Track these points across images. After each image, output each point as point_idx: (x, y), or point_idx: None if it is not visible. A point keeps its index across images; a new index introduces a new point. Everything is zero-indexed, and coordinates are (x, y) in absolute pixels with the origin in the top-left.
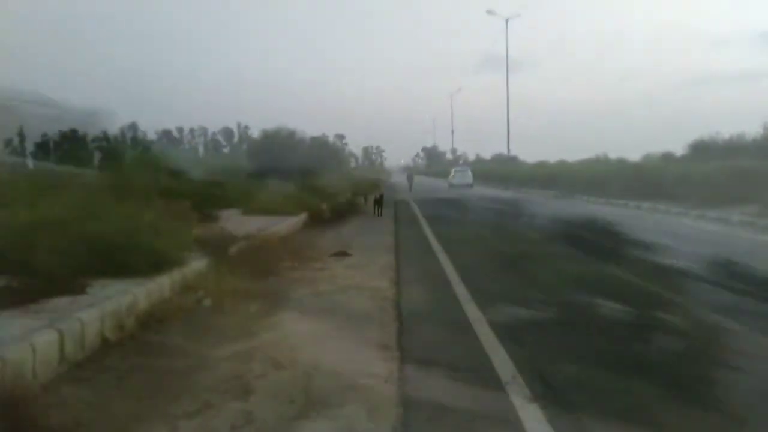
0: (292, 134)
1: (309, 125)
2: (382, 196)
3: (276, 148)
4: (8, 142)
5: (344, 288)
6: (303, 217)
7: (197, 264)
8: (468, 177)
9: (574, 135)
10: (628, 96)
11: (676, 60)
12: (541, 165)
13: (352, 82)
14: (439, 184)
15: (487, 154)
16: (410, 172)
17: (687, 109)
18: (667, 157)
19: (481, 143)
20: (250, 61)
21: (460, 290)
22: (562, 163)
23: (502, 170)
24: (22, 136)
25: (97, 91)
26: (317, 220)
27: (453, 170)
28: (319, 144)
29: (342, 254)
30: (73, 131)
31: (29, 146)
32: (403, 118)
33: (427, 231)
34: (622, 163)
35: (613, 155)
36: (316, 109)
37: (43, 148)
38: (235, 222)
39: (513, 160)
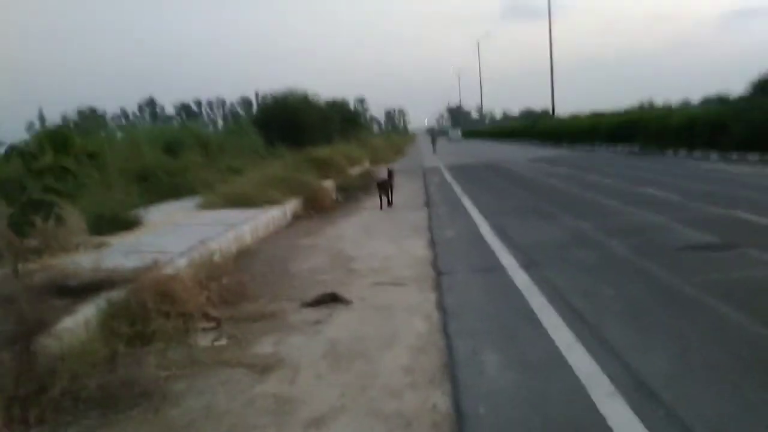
0: (304, 98)
1: (330, 90)
2: (386, 182)
3: (286, 114)
4: (30, 125)
5: None
6: (292, 206)
7: None
8: (458, 134)
9: (605, 84)
10: (659, 40)
11: None
12: (599, 116)
13: (373, 44)
14: (467, 147)
15: (514, 109)
16: (434, 133)
17: (724, 49)
18: (723, 101)
19: (508, 98)
20: (269, 28)
21: None
22: (636, 111)
23: (545, 126)
24: (42, 118)
25: (114, 65)
26: (316, 208)
27: (449, 130)
28: (337, 108)
29: (330, 300)
30: (92, 110)
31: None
32: (426, 78)
33: (484, 228)
34: (739, 103)
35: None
36: (337, 75)
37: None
38: (167, 226)
39: (546, 113)
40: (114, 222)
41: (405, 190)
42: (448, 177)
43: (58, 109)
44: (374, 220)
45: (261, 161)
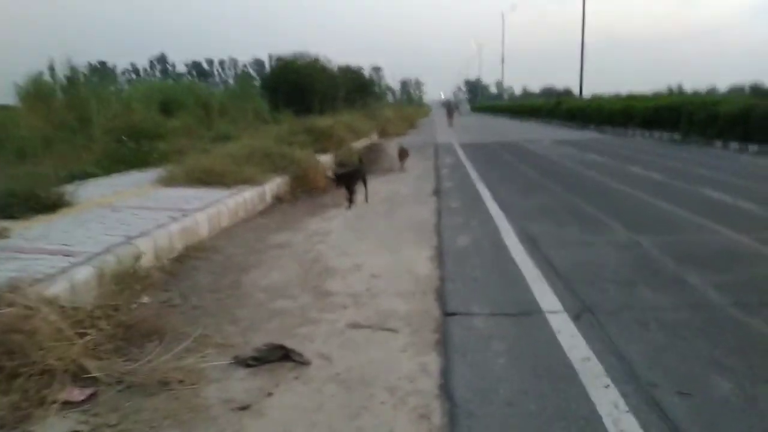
0: (314, 62)
1: (346, 57)
2: (349, 175)
3: (294, 77)
4: (38, 76)
5: None
6: (274, 186)
7: None
8: (467, 108)
9: (628, 67)
10: (686, 26)
11: None
12: (632, 99)
13: (393, 11)
14: (485, 123)
15: (535, 87)
16: (450, 105)
17: (751, 40)
18: (757, 90)
19: (528, 75)
20: None
21: None
22: (677, 96)
23: (571, 106)
24: (52, 70)
25: (126, 20)
26: (305, 189)
27: (459, 103)
28: (350, 75)
29: (278, 358)
30: (102, 63)
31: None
32: (445, 50)
33: (509, 235)
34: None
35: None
36: (354, 40)
37: (72, 83)
38: (99, 210)
39: (568, 93)
40: (32, 202)
41: (413, 172)
42: (463, 158)
43: (68, 62)
44: (369, 211)
45: (262, 127)
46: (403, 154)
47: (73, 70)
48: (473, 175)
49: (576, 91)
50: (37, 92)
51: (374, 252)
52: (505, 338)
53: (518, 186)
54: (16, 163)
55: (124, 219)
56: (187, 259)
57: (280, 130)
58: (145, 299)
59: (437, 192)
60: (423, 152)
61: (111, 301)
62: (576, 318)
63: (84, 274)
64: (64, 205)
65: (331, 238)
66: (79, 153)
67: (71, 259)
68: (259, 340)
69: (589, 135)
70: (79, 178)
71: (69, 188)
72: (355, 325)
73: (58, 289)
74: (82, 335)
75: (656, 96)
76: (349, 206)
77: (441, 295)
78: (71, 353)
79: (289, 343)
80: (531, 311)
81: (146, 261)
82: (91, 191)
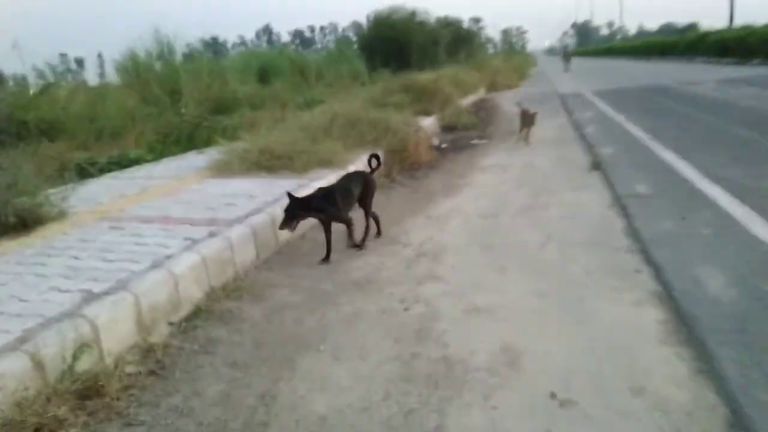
0: (411, 15)
1: (443, 8)
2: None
3: (391, 34)
4: (161, 55)
5: None
6: (360, 166)
7: None
8: (570, 48)
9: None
10: None
11: None
12: None
13: None
14: (605, 66)
15: (651, 25)
16: (567, 49)
17: None
18: None
19: (643, 13)
20: None
21: None
22: None
23: (725, 36)
24: (170, 48)
25: None
26: (403, 164)
27: (564, 47)
28: (449, 27)
29: None
30: (214, 39)
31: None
32: None
33: None
34: None
35: None
36: None
37: (190, 58)
38: (93, 229)
39: (692, 28)
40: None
41: (543, 133)
42: (608, 110)
43: (185, 38)
44: (499, 204)
45: (356, 89)
46: (527, 118)
47: (189, 46)
48: (638, 134)
49: (704, 24)
50: (134, 67)
51: (534, 309)
52: None
53: (733, 151)
54: (87, 146)
55: (115, 246)
56: (201, 324)
57: (374, 90)
58: None
59: (597, 165)
60: (547, 105)
61: None
62: None
63: None
64: (47, 220)
65: (448, 266)
66: (160, 131)
67: None
68: None
69: (761, 71)
70: (123, 165)
71: (59, 192)
72: None
73: None
74: None
75: None
76: (326, 259)
77: None
78: None
79: None
80: None
81: (125, 334)
82: (115, 187)
